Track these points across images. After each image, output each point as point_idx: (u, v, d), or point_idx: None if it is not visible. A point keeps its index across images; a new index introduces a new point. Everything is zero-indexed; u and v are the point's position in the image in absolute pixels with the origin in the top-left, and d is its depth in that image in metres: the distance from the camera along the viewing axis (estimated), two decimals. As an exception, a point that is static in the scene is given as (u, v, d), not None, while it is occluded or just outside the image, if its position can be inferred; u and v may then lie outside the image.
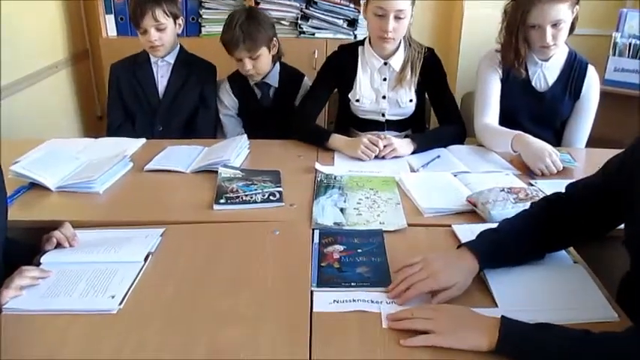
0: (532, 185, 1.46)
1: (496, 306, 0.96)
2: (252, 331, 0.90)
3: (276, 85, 2.05)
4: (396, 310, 0.95)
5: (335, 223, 1.25)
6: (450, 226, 1.25)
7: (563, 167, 1.57)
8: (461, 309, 0.92)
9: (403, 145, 1.69)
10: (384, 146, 1.65)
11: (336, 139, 1.75)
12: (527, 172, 1.58)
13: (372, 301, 0.97)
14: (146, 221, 1.27)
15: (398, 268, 1.04)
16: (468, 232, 1.19)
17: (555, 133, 1.86)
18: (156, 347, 0.87)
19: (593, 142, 1.88)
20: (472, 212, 1.31)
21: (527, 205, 1.27)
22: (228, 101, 2.09)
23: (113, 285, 1.02)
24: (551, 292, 1.00)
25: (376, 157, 1.66)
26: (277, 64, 2.05)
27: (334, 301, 0.98)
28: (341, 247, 1.14)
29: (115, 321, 0.94)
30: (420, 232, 1.23)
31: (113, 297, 0.99)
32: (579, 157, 1.69)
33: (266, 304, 0.97)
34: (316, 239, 1.18)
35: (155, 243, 1.17)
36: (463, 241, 1.12)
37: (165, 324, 0.92)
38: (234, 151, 1.63)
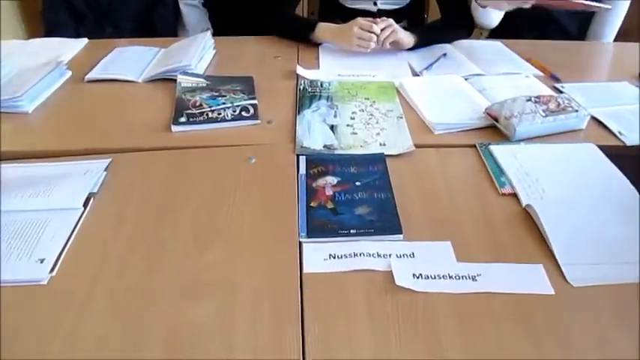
0: (560, 92, 1.22)
1: (556, 261, 0.75)
2: (224, 307, 0.68)
3: (251, -35, 1.70)
4: (409, 265, 0.74)
5: (325, 147, 0.99)
6: (468, 146, 1.01)
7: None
8: None
9: (404, 34, 1.41)
10: (382, 29, 1.36)
11: (324, 29, 1.45)
12: (550, 73, 1.32)
13: (379, 255, 0.76)
14: (87, 149, 1.00)
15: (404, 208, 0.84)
16: (509, 153, 0.96)
17: (581, 25, 1.57)
18: (99, 331, 0.65)
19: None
20: (492, 128, 1.07)
21: (559, 118, 1.05)
22: None
23: (42, 244, 0.78)
24: (622, 241, 0.78)
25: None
26: None
27: (330, 256, 0.76)
28: (334, 180, 0.91)
29: (45, 294, 0.71)
30: (430, 155, 0.99)
31: (42, 261, 0.75)
32: (606, 51, 1.43)
33: (241, 267, 0.74)
34: (302, 169, 0.94)
35: (98, 181, 0.91)
36: (504, 165, 0.92)
37: (110, 299, 0.70)
38: (197, 53, 1.33)
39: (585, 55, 1.51)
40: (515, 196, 0.89)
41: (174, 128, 1.06)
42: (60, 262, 0.75)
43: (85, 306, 0.69)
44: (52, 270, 0.74)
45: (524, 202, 0.86)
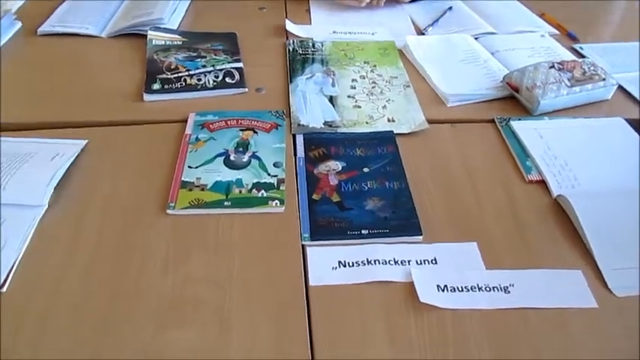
0: (582, 56, 1.09)
1: (594, 264, 0.66)
2: (214, 334, 0.56)
3: None
4: (431, 275, 0.63)
5: (326, 124, 0.86)
6: (486, 121, 0.89)
7: None
8: None
9: None
10: None
11: None
12: (567, 31, 1.19)
13: (396, 262, 0.65)
14: (39, 123, 0.84)
15: (420, 200, 0.72)
16: (533, 132, 0.85)
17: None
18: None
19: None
20: (510, 98, 0.95)
21: (585, 88, 0.93)
22: None
23: (-9, 249, 0.65)
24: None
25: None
26: None
27: (340, 263, 0.64)
28: (338, 165, 0.78)
29: (-5, 316, 0.58)
30: (445, 132, 0.87)
31: (-9, 272, 0.62)
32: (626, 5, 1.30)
33: (232, 280, 0.62)
34: (300, 151, 0.80)
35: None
36: (528, 146, 0.80)
37: (75, 320, 0.57)
38: (169, 3, 1.15)
39: (601, 10, 1.38)
40: (543, 183, 0.78)
41: (147, 97, 0.91)
42: (12, 273, 0.62)
43: (44, 330, 0.56)
44: (2, 285, 0.61)
45: (554, 193, 0.76)
